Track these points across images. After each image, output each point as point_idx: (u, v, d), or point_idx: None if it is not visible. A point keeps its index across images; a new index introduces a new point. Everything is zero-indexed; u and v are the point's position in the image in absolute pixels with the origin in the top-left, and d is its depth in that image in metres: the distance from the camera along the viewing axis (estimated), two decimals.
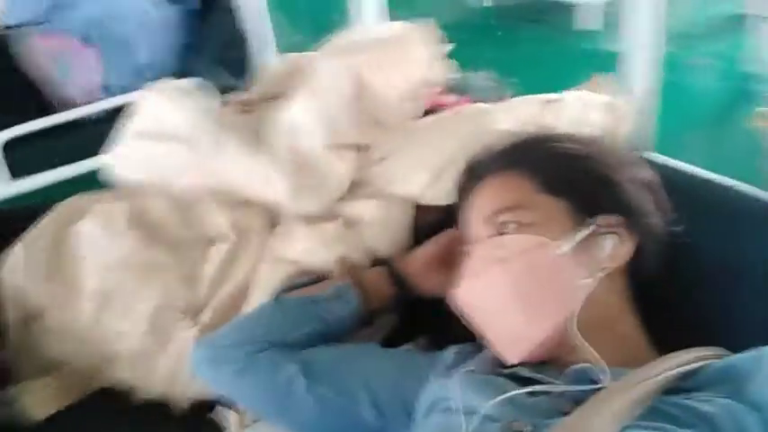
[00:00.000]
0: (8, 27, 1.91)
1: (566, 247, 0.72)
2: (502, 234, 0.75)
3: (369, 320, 0.93)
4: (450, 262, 0.92)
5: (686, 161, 0.97)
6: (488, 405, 0.67)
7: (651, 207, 0.79)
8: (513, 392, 0.68)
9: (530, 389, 0.68)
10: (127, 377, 1.01)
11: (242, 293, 1.01)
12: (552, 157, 0.80)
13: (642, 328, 0.76)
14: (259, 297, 0.97)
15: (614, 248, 0.75)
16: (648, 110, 1.09)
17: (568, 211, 0.75)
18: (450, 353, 0.82)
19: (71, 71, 1.91)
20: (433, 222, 1.00)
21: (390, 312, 0.97)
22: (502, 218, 0.75)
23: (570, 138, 0.83)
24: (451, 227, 0.93)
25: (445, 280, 0.92)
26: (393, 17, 1.57)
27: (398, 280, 0.93)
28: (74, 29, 1.94)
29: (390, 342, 0.94)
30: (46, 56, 1.88)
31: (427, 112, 1.14)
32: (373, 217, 1.00)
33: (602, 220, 0.75)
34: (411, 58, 1.10)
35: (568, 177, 0.77)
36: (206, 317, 1.00)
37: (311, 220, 1.02)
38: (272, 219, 1.08)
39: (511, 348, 0.73)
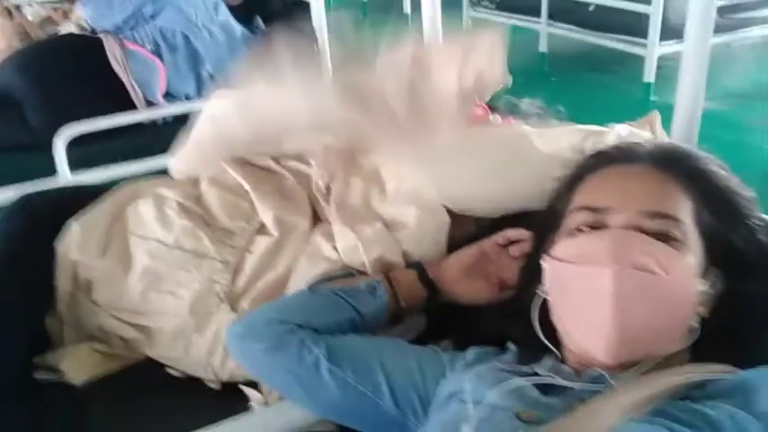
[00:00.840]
0: (93, 32, 2.05)
1: (703, 288, 0.73)
2: (657, 237, 0.72)
3: (398, 319, 0.96)
4: (482, 271, 0.95)
5: None
6: (494, 393, 0.70)
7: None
8: (521, 382, 0.71)
9: (536, 380, 0.71)
10: (166, 353, 1.06)
11: (280, 285, 1.05)
12: (712, 190, 0.78)
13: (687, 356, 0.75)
14: (296, 289, 1.02)
15: (710, 301, 0.75)
16: None
17: (700, 250, 0.74)
18: (471, 353, 0.85)
19: (142, 76, 2.02)
20: (467, 233, 1.03)
21: (419, 313, 0.99)
22: (662, 222, 0.73)
23: (734, 184, 0.80)
24: (484, 237, 0.96)
25: (476, 288, 0.95)
26: None
27: (429, 284, 0.96)
28: (150, 39, 2.07)
29: (416, 341, 0.96)
30: (122, 59, 2.00)
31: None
32: (412, 222, 1.04)
33: (717, 273, 0.75)
34: (476, 57, 1.11)
35: (718, 219, 0.76)
36: (245, 303, 1.04)
37: (353, 219, 1.06)
38: (316, 216, 1.13)
39: (613, 347, 0.69)
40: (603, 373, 0.69)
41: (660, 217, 0.73)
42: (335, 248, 1.05)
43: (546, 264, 0.78)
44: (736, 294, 0.76)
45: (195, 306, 1.04)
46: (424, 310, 0.99)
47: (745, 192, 0.80)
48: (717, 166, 0.81)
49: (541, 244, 0.85)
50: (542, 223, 0.87)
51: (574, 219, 0.78)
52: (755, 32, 4.10)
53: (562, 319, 0.77)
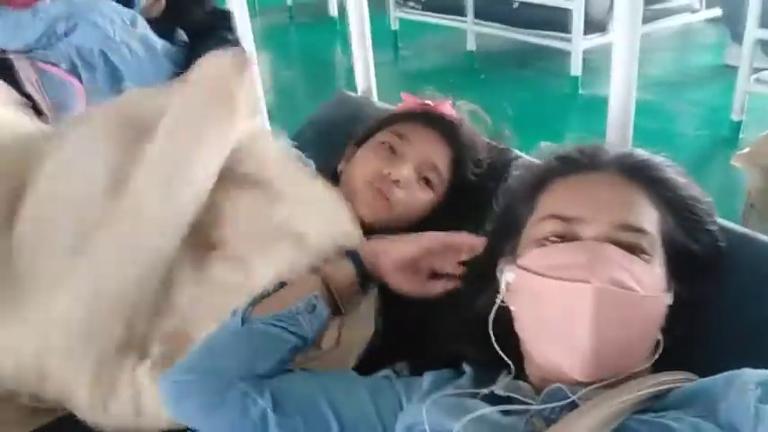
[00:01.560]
0: (3, 52, 1.93)
1: (669, 301, 0.72)
2: (628, 250, 0.70)
3: (338, 312, 0.91)
4: (422, 266, 0.92)
5: None
6: (459, 425, 0.66)
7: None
8: (483, 411, 0.68)
9: (497, 408, 0.68)
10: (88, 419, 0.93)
11: (187, 322, 0.96)
12: (677, 201, 0.77)
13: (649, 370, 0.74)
14: (208, 326, 0.89)
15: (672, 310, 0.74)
16: None
17: (665, 270, 0.73)
18: (427, 379, 0.81)
19: (58, 97, 1.91)
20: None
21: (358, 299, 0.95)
22: (633, 235, 0.71)
23: (696, 192, 0.80)
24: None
25: (412, 282, 0.92)
26: (375, 57, 1.61)
27: (366, 274, 0.92)
28: (66, 58, 1.97)
29: (369, 364, 0.93)
30: (37, 82, 1.89)
31: (423, 115, 1.14)
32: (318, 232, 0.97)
33: (677, 284, 0.75)
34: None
35: (681, 231, 0.76)
36: (155, 350, 0.94)
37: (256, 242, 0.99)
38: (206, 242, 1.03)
39: (589, 364, 0.67)
40: (563, 387, 0.68)
41: (632, 230, 0.71)
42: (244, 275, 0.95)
43: (511, 272, 0.75)
44: (693, 304, 0.75)
45: (97, 373, 0.91)
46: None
47: (705, 199, 0.80)
48: (677, 173, 0.80)
49: (497, 250, 0.82)
50: (499, 228, 0.85)
51: (542, 227, 0.75)
52: (676, 21, 4.23)
53: (530, 331, 0.74)
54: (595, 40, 3.73)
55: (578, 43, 3.68)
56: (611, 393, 0.65)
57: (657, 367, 0.72)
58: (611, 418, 0.62)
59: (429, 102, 1.17)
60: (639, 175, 0.77)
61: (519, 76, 4.17)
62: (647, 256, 0.71)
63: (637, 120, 1.17)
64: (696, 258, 0.76)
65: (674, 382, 0.68)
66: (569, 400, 0.66)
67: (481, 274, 0.83)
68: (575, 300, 0.67)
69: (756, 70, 2.94)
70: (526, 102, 3.66)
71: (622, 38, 1.12)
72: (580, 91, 3.66)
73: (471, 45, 4.51)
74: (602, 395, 0.65)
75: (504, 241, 0.81)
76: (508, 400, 0.71)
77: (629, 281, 0.68)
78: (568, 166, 0.80)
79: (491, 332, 0.76)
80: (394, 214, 1.04)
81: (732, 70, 3.10)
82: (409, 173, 1.04)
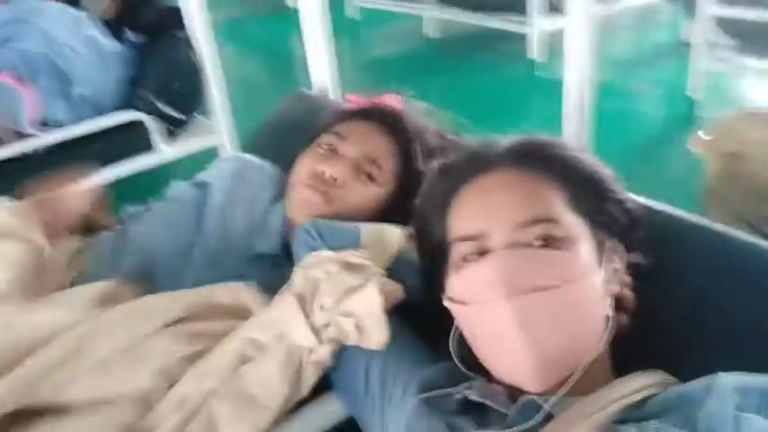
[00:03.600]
0: None
1: (603, 274, 0.70)
2: (536, 246, 0.68)
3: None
4: None
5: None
6: None
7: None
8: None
9: None
10: None
11: None
12: (579, 174, 0.75)
13: (607, 352, 0.73)
14: None
15: (616, 275, 0.74)
16: (586, 136, 1.12)
17: (588, 233, 0.71)
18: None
19: (8, 106, 1.86)
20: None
21: None
22: (540, 227, 0.68)
23: (594, 162, 0.78)
24: None
25: None
26: (339, 47, 1.59)
27: None
28: (10, 64, 1.90)
29: None
30: None
31: (363, 112, 1.12)
32: None
33: (610, 244, 0.73)
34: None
35: (592, 199, 0.74)
36: None
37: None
38: None
39: (541, 375, 0.66)
40: (536, 399, 0.66)
41: (537, 222, 0.69)
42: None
43: (447, 305, 0.74)
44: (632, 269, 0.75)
45: None
46: None
47: (606, 169, 0.78)
48: (572, 149, 0.78)
49: (437, 277, 0.78)
50: (430, 257, 0.80)
51: (456, 251, 0.73)
52: (635, 2, 4.25)
53: (479, 356, 0.72)
54: (555, 22, 3.74)
55: (537, 25, 3.69)
56: (587, 401, 0.64)
57: (623, 352, 0.72)
58: None
59: (373, 99, 1.16)
60: (533, 160, 0.74)
61: (480, 60, 4.17)
62: (562, 242, 0.68)
63: (594, 100, 1.16)
64: (617, 220, 0.75)
65: (651, 386, 0.66)
66: (543, 413, 0.64)
67: (434, 305, 0.79)
68: (497, 319, 0.66)
69: (713, 47, 2.97)
70: (486, 86, 3.66)
71: (577, 19, 1.12)
72: (539, 74, 3.68)
73: (432, 32, 4.49)
74: (577, 405, 0.64)
75: (439, 269, 0.78)
76: (483, 406, 0.70)
77: (547, 279, 0.65)
78: (459, 177, 0.76)
79: (456, 359, 0.74)
80: (338, 211, 1.01)
81: (688, 47, 3.12)
82: (345, 169, 1.02)
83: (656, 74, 3.62)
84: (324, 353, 0.83)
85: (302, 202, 1.02)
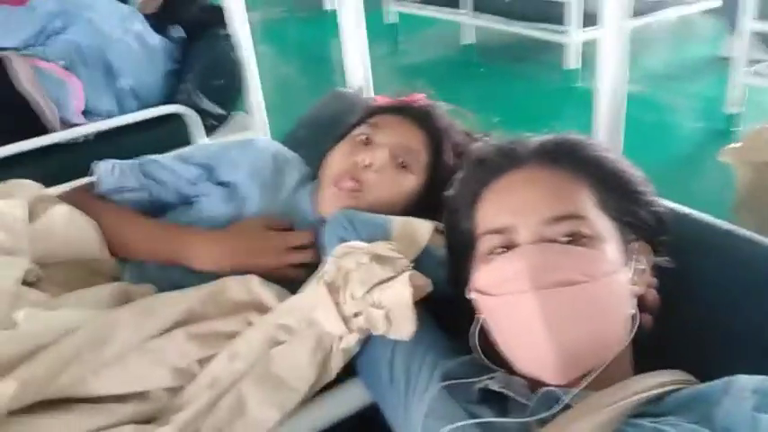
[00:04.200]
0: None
1: (630, 273, 0.72)
2: (563, 242, 0.69)
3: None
4: None
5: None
6: (447, 429, 0.68)
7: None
8: (477, 420, 0.69)
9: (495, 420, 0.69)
10: None
11: None
12: (608, 174, 0.76)
13: (630, 350, 0.74)
14: None
15: (642, 275, 0.75)
16: (618, 147, 1.13)
17: (615, 233, 0.73)
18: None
19: (56, 95, 1.92)
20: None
21: None
22: (568, 224, 0.70)
23: (625, 164, 0.80)
24: None
25: None
26: (376, 52, 1.61)
27: None
28: (58, 54, 1.97)
29: None
30: (34, 79, 1.89)
31: (394, 107, 1.15)
32: None
33: (637, 245, 0.75)
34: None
35: (621, 199, 0.75)
36: None
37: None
38: None
39: (562, 368, 0.67)
40: (556, 390, 0.67)
41: (564, 219, 0.70)
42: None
43: (473, 296, 0.75)
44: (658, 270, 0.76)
45: None
46: None
47: (637, 171, 0.79)
48: (603, 150, 0.79)
49: (463, 269, 0.80)
50: (457, 249, 0.82)
51: (483, 243, 0.75)
52: (672, 14, 4.22)
53: (500, 344, 0.74)
54: (591, 32, 3.72)
55: (574, 36, 3.68)
56: (605, 393, 0.65)
57: (645, 352, 0.73)
58: (606, 424, 0.62)
59: (401, 98, 1.18)
60: (561, 159, 0.76)
61: (516, 69, 4.17)
62: (589, 240, 0.70)
63: (631, 112, 1.17)
64: (647, 224, 0.76)
65: (670, 384, 0.67)
66: (562, 404, 0.66)
67: (460, 296, 0.82)
68: (523, 311, 0.67)
69: (753, 62, 2.93)
70: (522, 95, 3.66)
71: (610, 30, 1.12)
72: (578, 84, 3.67)
73: (469, 38, 4.50)
74: (594, 396, 0.66)
75: (467, 260, 0.80)
76: (503, 397, 0.72)
77: (573, 274, 0.67)
78: (490, 172, 0.79)
79: (477, 350, 0.76)
80: (371, 200, 1.03)
81: (728, 63, 3.08)
82: (383, 155, 1.04)
83: (695, 88, 3.58)
84: (352, 341, 0.86)
85: (337, 192, 1.04)
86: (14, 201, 1.06)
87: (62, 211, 1.07)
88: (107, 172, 1.15)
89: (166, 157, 1.19)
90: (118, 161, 1.17)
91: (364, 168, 1.04)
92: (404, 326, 0.83)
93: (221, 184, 1.16)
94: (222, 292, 0.95)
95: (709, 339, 0.81)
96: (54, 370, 0.82)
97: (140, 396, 0.86)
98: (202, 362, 0.88)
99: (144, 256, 1.07)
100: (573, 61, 3.73)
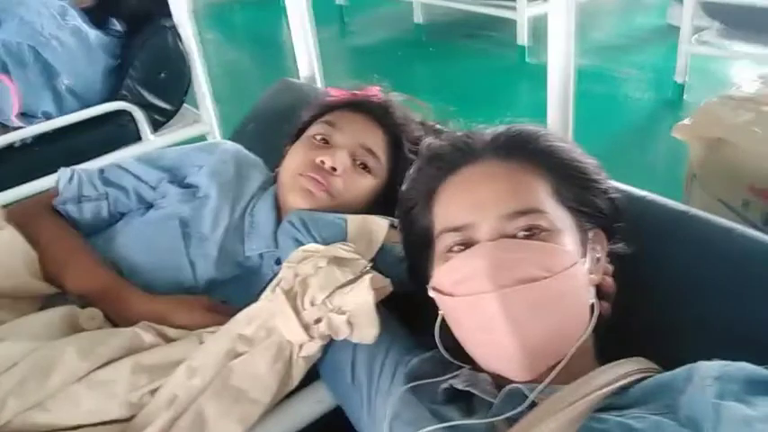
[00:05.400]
0: None
1: (588, 264, 0.71)
2: (522, 237, 0.69)
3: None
4: None
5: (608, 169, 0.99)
6: None
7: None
8: (443, 425, 0.67)
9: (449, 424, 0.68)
10: None
11: None
12: (563, 164, 0.75)
13: (593, 340, 0.74)
14: None
15: (598, 264, 0.74)
16: (570, 120, 1.12)
17: (572, 224, 0.72)
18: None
19: None
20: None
21: None
22: (526, 219, 0.69)
23: (578, 153, 0.79)
24: None
25: None
26: (327, 33, 1.58)
27: None
28: None
29: None
30: None
31: (351, 103, 1.12)
32: None
33: (593, 233, 0.74)
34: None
35: (576, 189, 0.75)
36: None
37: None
38: None
39: (527, 364, 0.67)
40: (521, 387, 0.67)
41: (523, 214, 0.69)
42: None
43: (433, 295, 0.74)
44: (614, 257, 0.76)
45: None
46: None
47: (590, 159, 0.79)
48: (557, 140, 0.78)
49: (421, 266, 0.79)
50: (415, 246, 0.80)
51: (441, 242, 0.74)
52: None
53: (462, 342, 0.73)
54: (540, 7, 3.73)
55: (523, 11, 3.68)
56: (570, 388, 0.65)
57: (611, 341, 0.73)
58: (573, 421, 0.62)
59: (356, 91, 1.15)
60: (516, 151, 0.75)
61: (467, 47, 4.16)
62: (547, 233, 0.69)
63: (581, 85, 1.17)
64: (603, 212, 0.76)
65: (635, 373, 0.67)
66: (528, 403, 0.65)
67: (420, 294, 0.80)
68: (485, 311, 0.66)
69: (698, 29, 2.96)
70: (474, 73, 3.65)
71: (558, 4, 1.11)
72: (528, 60, 3.67)
73: (419, 17, 4.47)
74: (559, 392, 0.65)
75: (424, 257, 0.78)
76: (469, 394, 0.71)
77: (533, 270, 0.66)
78: (445, 168, 0.77)
79: (440, 348, 0.75)
80: (336, 204, 1.01)
81: (675, 30, 3.11)
82: (345, 158, 1.02)
83: (643, 58, 3.62)
84: (314, 348, 0.84)
85: (304, 193, 1.01)
86: None
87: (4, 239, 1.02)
88: (65, 181, 1.11)
89: (130, 161, 1.15)
90: (79, 168, 1.13)
91: (328, 173, 1.01)
92: (367, 330, 0.81)
93: (187, 186, 1.13)
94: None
95: (665, 320, 0.81)
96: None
97: (93, 427, 0.83)
98: (155, 392, 0.85)
99: (77, 293, 1.01)
100: (525, 37, 3.73)
